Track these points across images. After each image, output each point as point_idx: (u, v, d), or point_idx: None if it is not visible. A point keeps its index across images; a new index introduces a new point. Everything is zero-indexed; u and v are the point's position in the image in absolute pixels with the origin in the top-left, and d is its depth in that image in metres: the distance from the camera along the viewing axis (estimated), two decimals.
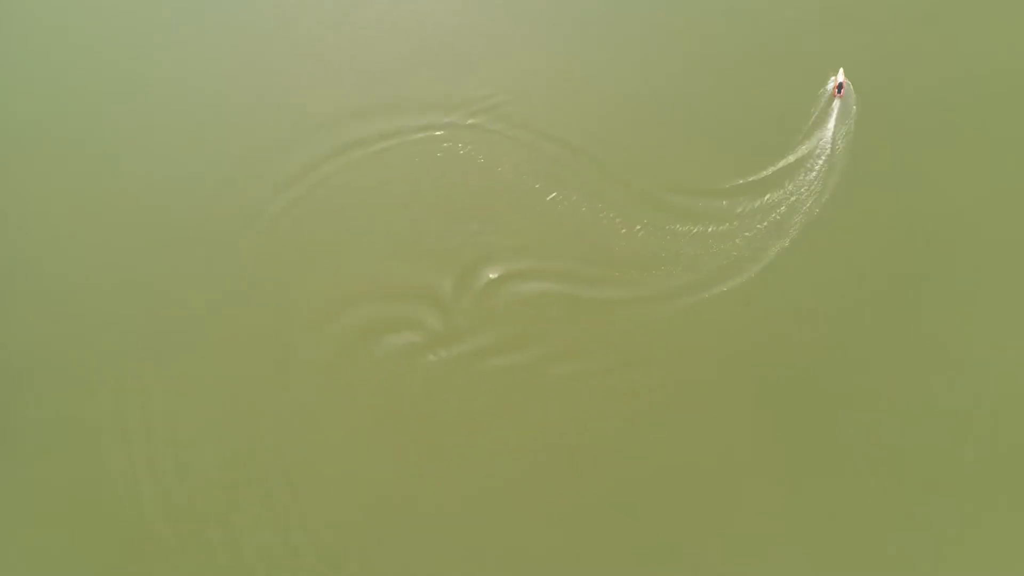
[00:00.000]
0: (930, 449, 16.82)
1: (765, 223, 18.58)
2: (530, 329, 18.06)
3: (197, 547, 16.46)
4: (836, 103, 19.66)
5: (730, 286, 18.00)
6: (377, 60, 21.11)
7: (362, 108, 20.25)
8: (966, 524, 16.32)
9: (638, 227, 18.60)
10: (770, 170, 19.16)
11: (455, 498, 16.77)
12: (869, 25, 20.85)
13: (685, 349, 17.75)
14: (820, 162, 19.14)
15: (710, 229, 18.59)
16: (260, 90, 20.68)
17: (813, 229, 18.51)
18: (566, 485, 16.79)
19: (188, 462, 17.04)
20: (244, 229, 19.01)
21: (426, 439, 17.33)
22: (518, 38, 21.18)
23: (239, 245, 18.85)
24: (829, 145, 19.41)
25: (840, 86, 19.71)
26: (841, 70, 19.84)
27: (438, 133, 19.93)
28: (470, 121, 20.16)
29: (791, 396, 17.34)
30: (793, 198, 18.78)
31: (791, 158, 19.27)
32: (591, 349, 17.76)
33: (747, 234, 18.47)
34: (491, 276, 18.38)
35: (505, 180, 19.33)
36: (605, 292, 18.15)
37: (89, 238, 19.23)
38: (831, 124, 19.52)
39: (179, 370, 17.88)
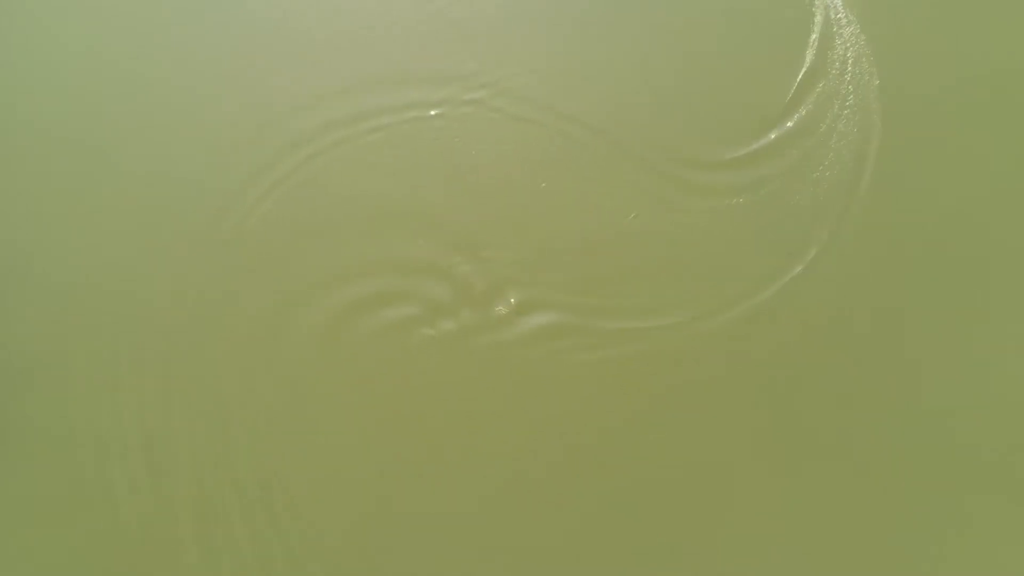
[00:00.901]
0: (930, 449, 16.98)
1: (843, 119, 17.01)
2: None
3: (197, 546, 16.87)
4: None
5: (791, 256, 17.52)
6: (376, 43, 21.49)
7: (357, 90, 20.73)
8: (966, 524, 16.53)
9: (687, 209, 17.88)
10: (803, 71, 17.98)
11: (452, 497, 17.10)
12: None
13: (689, 347, 18.09)
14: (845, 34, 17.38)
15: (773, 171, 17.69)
16: (259, 83, 21.06)
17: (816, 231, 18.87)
18: (563, 483, 17.15)
19: (187, 461, 17.51)
20: (244, 227, 19.50)
21: (424, 433, 17.75)
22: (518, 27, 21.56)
23: (239, 243, 19.33)
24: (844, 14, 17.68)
25: None
26: None
27: (434, 111, 19.98)
28: (468, 97, 20.12)
29: (790, 395, 17.63)
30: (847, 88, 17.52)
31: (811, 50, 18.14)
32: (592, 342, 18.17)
33: (836, 141, 17.04)
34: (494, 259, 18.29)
35: (510, 165, 19.68)
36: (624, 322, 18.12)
37: (89, 238, 19.30)
38: None
39: (179, 369, 18.21)
